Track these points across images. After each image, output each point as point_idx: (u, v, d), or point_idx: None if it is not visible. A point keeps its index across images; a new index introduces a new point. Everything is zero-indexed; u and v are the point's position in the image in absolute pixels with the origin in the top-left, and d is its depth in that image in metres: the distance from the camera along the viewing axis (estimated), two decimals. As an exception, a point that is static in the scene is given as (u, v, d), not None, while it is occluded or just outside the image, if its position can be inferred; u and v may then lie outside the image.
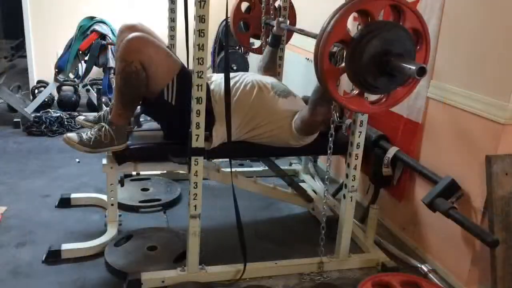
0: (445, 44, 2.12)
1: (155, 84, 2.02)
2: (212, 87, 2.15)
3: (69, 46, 3.85)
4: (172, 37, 2.79)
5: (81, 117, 2.37)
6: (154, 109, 2.16)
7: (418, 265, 2.19)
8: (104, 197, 2.54)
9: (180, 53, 2.21)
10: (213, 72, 4.03)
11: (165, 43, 2.23)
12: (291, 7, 2.84)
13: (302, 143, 2.21)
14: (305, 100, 2.30)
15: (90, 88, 4.08)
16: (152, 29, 2.19)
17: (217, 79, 2.19)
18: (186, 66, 2.13)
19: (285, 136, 2.17)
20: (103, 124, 2.06)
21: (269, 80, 2.29)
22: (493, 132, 1.87)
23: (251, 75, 2.28)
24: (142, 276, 1.91)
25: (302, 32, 2.26)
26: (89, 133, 2.06)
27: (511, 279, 1.89)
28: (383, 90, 1.60)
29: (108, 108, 2.34)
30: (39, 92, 4.12)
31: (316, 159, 3.25)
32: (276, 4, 2.80)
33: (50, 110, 3.88)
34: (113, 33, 3.87)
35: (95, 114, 2.37)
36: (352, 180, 2.05)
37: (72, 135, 2.06)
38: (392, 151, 2.36)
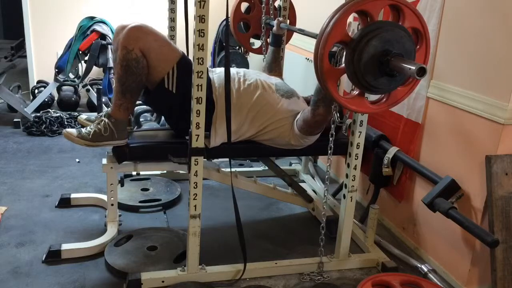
0: (445, 44, 2.12)
1: (155, 72, 2.02)
2: (215, 81, 2.14)
3: (69, 46, 3.85)
4: (172, 37, 2.79)
5: (83, 116, 2.37)
6: (155, 98, 2.14)
7: (418, 265, 2.18)
8: (104, 197, 2.54)
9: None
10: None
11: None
12: (291, 7, 2.84)
13: (304, 144, 2.21)
14: (307, 100, 2.30)
15: (90, 88, 4.09)
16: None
17: (221, 72, 2.15)
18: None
19: (287, 136, 2.17)
20: (102, 118, 2.06)
21: (273, 80, 2.29)
22: (493, 132, 1.87)
23: (256, 74, 2.28)
24: (142, 276, 1.91)
25: (302, 32, 2.26)
26: (88, 127, 2.07)
27: (511, 280, 1.89)
28: (383, 90, 1.59)
29: (109, 108, 2.33)
30: (39, 92, 4.12)
31: (316, 159, 3.25)
32: (276, 4, 2.80)
33: (50, 110, 3.88)
34: (113, 33, 3.87)
35: (97, 114, 2.37)
36: (352, 180, 2.05)
37: (71, 130, 2.08)
38: (392, 151, 2.36)
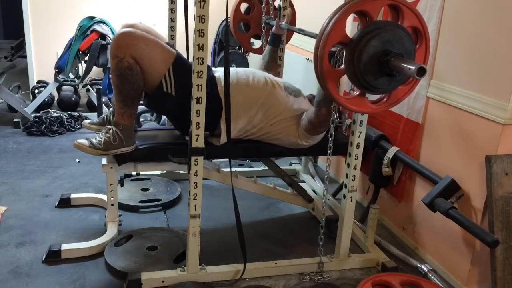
0: (445, 44, 2.12)
1: (151, 77, 2.00)
2: (220, 78, 2.12)
3: (69, 46, 3.85)
4: (172, 37, 2.79)
5: (86, 121, 2.37)
6: (156, 103, 2.14)
7: (418, 265, 2.18)
8: (104, 197, 2.54)
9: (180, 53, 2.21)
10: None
11: (165, 40, 2.21)
12: (291, 7, 2.84)
13: (311, 143, 2.21)
14: (309, 98, 2.31)
15: (90, 88, 4.09)
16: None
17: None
18: None
19: (294, 135, 2.17)
20: (110, 126, 2.07)
21: (279, 79, 2.31)
22: (493, 132, 1.87)
23: (263, 72, 2.29)
24: (142, 276, 1.91)
25: (302, 32, 2.26)
26: (97, 137, 2.07)
27: (511, 280, 1.89)
28: (384, 90, 1.60)
29: (110, 109, 2.34)
30: (39, 92, 4.12)
31: (316, 159, 3.25)
32: (276, 4, 2.80)
33: (50, 110, 3.88)
34: (113, 33, 3.87)
35: (99, 117, 2.37)
36: (352, 180, 2.05)
37: (82, 140, 2.07)
38: (392, 151, 2.36)
